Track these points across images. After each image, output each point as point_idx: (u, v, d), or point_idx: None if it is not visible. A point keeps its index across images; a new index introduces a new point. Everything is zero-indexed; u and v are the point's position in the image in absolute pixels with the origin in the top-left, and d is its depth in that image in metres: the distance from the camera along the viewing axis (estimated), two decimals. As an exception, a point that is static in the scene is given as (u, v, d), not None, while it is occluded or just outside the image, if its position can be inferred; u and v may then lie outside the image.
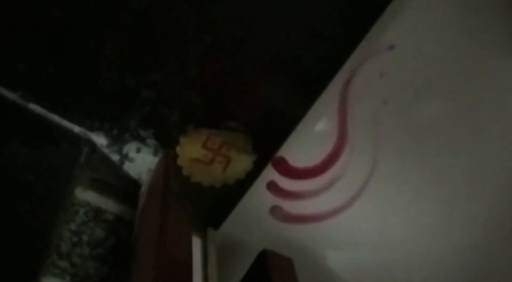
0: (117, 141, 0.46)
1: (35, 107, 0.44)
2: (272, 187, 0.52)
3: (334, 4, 0.47)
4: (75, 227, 0.42)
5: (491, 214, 0.55)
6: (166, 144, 0.47)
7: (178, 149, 0.48)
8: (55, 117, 0.45)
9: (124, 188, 0.47)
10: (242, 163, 0.49)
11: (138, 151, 0.47)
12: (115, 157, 0.47)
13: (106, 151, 0.46)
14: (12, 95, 0.44)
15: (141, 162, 0.47)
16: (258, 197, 0.52)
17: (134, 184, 0.47)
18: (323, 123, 0.51)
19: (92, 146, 0.46)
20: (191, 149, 0.47)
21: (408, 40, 0.49)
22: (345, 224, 0.54)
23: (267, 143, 0.50)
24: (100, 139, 0.46)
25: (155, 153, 0.47)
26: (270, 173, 0.52)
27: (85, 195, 0.43)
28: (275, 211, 0.53)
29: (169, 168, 0.44)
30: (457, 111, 0.53)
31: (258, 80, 0.48)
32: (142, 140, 0.47)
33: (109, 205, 0.44)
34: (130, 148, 0.47)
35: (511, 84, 0.50)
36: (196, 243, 0.46)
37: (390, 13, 0.48)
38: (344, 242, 0.55)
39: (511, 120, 0.53)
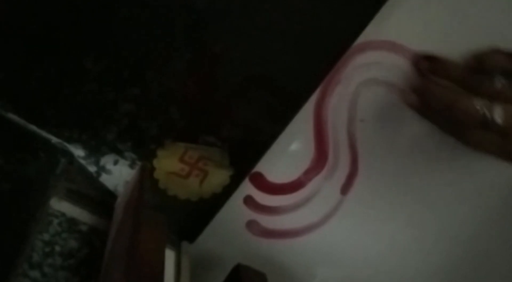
0: (95, 152, 0.47)
1: (14, 117, 0.45)
2: (249, 201, 0.53)
3: (313, 25, 0.48)
4: (48, 237, 0.42)
5: (466, 232, 0.56)
6: (143, 156, 0.48)
7: (155, 162, 0.48)
8: (33, 128, 0.45)
9: (100, 199, 0.47)
10: (219, 177, 0.49)
11: (115, 163, 0.47)
12: (92, 169, 0.47)
13: (83, 162, 0.47)
14: (-9, 105, 0.44)
15: (118, 174, 0.47)
16: (235, 211, 0.52)
17: (110, 196, 0.48)
18: (300, 140, 0.52)
19: (70, 157, 0.46)
20: (168, 162, 0.48)
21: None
22: (320, 240, 0.54)
23: (244, 158, 0.50)
24: (77, 151, 0.46)
25: (132, 166, 0.48)
26: (247, 188, 0.52)
27: (61, 206, 0.43)
28: (251, 225, 0.53)
29: (144, 180, 0.44)
30: (434, 129, 0.53)
31: (236, 97, 0.49)
32: (119, 152, 0.47)
33: (84, 216, 0.44)
34: (107, 160, 0.47)
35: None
36: (170, 256, 0.46)
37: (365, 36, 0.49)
38: (318, 258, 0.55)
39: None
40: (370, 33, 0.50)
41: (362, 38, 0.50)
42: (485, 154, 0.45)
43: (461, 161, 0.54)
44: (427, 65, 0.48)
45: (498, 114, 0.43)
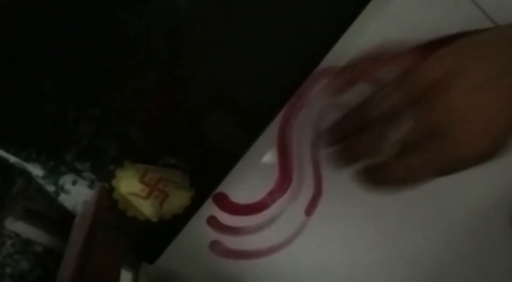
0: (53, 172, 0.47)
1: (-29, 136, 0.45)
2: (213, 221, 0.53)
3: (277, 49, 0.48)
4: (-1, 259, 0.42)
5: (428, 255, 0.56)
6: (102, 177, 0.48)
7: (114, 183, 0.48)
8: (-9, 148, 0.45)
9: (58, 219, 0.47)
10: (179, 198, 0.49)
11: (74, 183, 0.47)
12: (50, 188, 0.47)
13: (42, 182, 0.47)
14: None
15: (76, 194, 0.48)
16: (198, 231, 0.52)
17: (68, 216, 0.48)
18: (264, 161, 0.52)
19: (28, 176, 0.46)
20: (127, 183, 0.48)
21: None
22: (284, 261, 0.54)
23: (206, 179, 0.50)
24: (36, 171, 0.46)
25: (91, 186, 0.48)
26: (210, 208, 0.52)
27: (16, 226, 0.43)
28: (214, 245, 0.53)
29: (100, 201, 0.44)
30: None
31: (199, 118, 0.49)
32: (78, 173, 0.47)
33: (40, 237, 0.44)
34: (66, 180, 0.47)
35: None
36: (126, 277, 0.46)
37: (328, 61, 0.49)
38: (282, 279, 0.55)
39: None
40: (333, 58, 0.50)
41: (325, 63, 0.50)
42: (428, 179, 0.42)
43: (425, 185, 0.54)
44: (331, 138, 0.47)
45: (399, 127, 0.41)
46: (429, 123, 0.39)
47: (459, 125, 0.38)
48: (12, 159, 0.46)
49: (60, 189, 0.47)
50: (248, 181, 0.52)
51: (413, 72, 0.40)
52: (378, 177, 0.41)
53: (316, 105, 0.52)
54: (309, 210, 0.54)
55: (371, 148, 0.41)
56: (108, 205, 0.47)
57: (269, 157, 0.52)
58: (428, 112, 0.39)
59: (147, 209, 0.48)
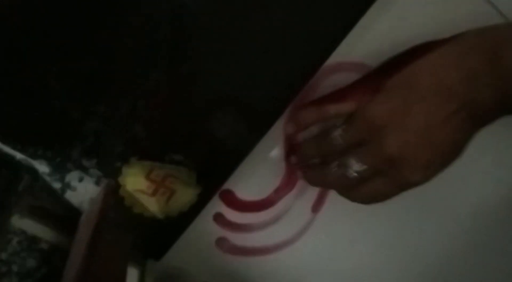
0: (60, 169, 0.47)
1: (-23, 134, 0.45)
2: (219, 218, 0.53)
3: (284, 44, 0.48)
4: (5, 257, 0.42)
5: (436, 252, 0.56)
6: (109, 174, 0.48)
7: (121, 179, 0.48)
8: (-3, 144, 0.45)
9: (64, 216, 0.47)
10: (186, 195, 0.49)
11: (81, 180, 0.47)
12: (57, 185, 0.47)
13: (48, 179, 0.47)
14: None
15: (83, 191, 0.47)
16: (204, 228, 0.52)
17: (75, 213, 0.47)
18: (271, 158, 0.52)
19: (34, 173, 0.46)
20: (134, 180, 0.48)
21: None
22: (290, 258, 0.54)
23: (212, 176, 0.50)
24: (42, 167, 0.46)
25: (97, 183, 0.47)
26: (217, 205, 0.52)
27: (22, 223, 0.43)
28: (221, 242, 0.53)
29: (107, 198, 0.44)
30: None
31: (204, 115, 0.49)
32: (84, 170, 0.47)
33: (46, 234, 0.44)
34: (73, 177, 0.47)
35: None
36: (133, 275, 0.46)
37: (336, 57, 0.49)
38: (288, 276, 0.55)
39: (466, 158, 0.53)
40: (341, 54, 0.50)
41: (332, 59, 0.50)
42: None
43: (432, 183, 0.54)
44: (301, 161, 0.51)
45: (353, 166, 0.44)
46: (376, 161, 0.43)
47: (404, 161, 0.42)
48: (18, 155, 0.45)
49: (67, 186, 0.47)
50: (254, 178, 0.52)
51: (359, 115, 0.44)
52: (349, 196, 0.47)
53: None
54: (316, 207, 0.54)
55: (333, 177, 0.45)
56: (115, 202, 0.47)
57: (276, 154, 0.52)
58: (375, 153, 0.43)
59: (153, 206, 0.48)
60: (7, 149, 0.45)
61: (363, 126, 0.43)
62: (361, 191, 0.45)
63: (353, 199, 0.46)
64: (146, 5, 0.47)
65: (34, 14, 0.45)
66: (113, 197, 0.46)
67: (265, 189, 0.53)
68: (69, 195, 0.47)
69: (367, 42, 0.49)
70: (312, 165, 0.48)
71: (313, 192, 0.53)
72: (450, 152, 0.43)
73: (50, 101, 0.46)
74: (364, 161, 0.43)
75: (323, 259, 0.55)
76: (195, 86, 0.48)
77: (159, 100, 0.47)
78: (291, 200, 0.53)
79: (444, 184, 0.53)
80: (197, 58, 0.47)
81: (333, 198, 0.53)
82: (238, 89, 0.49)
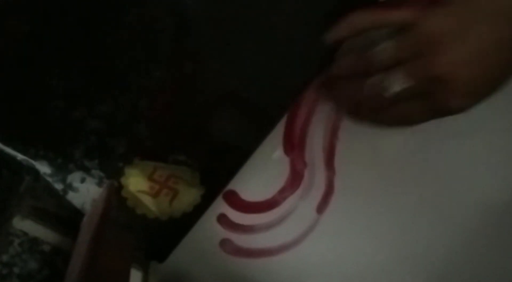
0: (61, 170, 0.46)
1: (-22, 134, 0.44)
2: (223, 219, 0.52)
3: (288, 42, 0.47)
4: (6, 259, 0.41)
5: (446, 252, 0.55)
6: (111, 174, 0.47)
7: (123, 180, 0.47)
8: (-2, 145, 0.45)
9: (66, 217, 0.46)
10: (189, 196, 0.48)
11: (83, 181, 0.47)
12: (58, 186, 0.46)
13: (49, 179, 0.46)
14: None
15: (85, 192, 0.47)
16: (208, 229, 0.52)
17: (77, 214, 0.47)
18: (275, 158, 0.51)
19: (36, 174, 0.45)
20: (136, 181, 0.47)
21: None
22: (295, 260, 0.54)
23: (216, 176, 0.49)
24: (44, 168, 0.46)
25: (99, 184, 0.47)
26: (221, 206, 0.52)
27: (23, 225, 0.43)
28: (225, 244, 0.53)
29: (109, 199, 0.43)
30: (415, 146, 0.53)
31: (208, 114, 0.48)
32: (86, 170, 0.47)
33: (48, 235, 0.44)
34: (74, 178, 0.47)
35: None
36: (136, 277, 0.46)
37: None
38: (293, 278, 0.54)
39: (472, 156, 0.53)
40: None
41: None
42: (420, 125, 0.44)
43: (438, 181, 0.53)
44: (327, 88, 0.48)
45: (395, 83, 0.42)
46: (422, 79, 0.41)
47: (452, 83, 0.41)
48: (20, 156, 0.45)
49: (68, 186, 0.46)
50: (258, 178, 0.51)
51: (416, 27, 0.41)
52: (375, 117, 0.45)
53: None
54: (321, 207, 0.53)
55: (368, 93, 0.43)
56: (117, 203, 0.46)
57: (280, 154, 0.51)
58: (423, 71, 0.41)
59: (156, 206, 0.48)
60: (8, 150, 0.44)
61: (419, 40, 0.41)
62: (391, 113, 0.43)
63: (379, 121, 0.45)
64: (148, 4, 0.46)
65: (35, 14, 0.44)
66: (116, 198, 0.46)
67: (269, 189, 0.52)
68: (71, 196, 0.47)
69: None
70: (346, 77, 0.46)
71: (317, 192, 0.53)
72: (497, 80, 0.41)
73: (51, 102, 0.45)
74: (409, 78, 0.41)
75: (328, 260, 0.54)
76: (198, 86, 0.47)
77: (162, 100, 0.47)
78: (296, 200, 0.52)
79: (451, 185, 0.53)
80: (200, 58, 0.47)
81: (338, 198, 0.53)
82: (241, 89, 0.48)
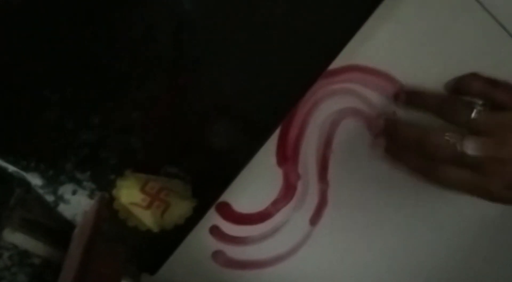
0: (53, 182, 0.46)
1: (-32, 146, 0.44)
2: (215, 231, 0.52)
3: (281, 53, 0.47)
4: (-5, 272, 0.41)
5: (440, 264, 0.55)
6: (103, 186, 0.47)
7: (115, 192, 0.47)
8: (-11, 157, 0.45)
9: (57, 230, 0.46)
10: (181, 208, 0.48)
11: (74, 193, 0.47)
12: (50, 198, 0.46)
13: (41, 191, 0.46)
14: None
15: (76, 204, 0.47)
16: (200, 241, 0.51)
17: (68, 226, 0.47)
18: (268, 170, 0.51)
19: (27, 186, 0.45)
20: (128, 193, 0.47)
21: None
22: (288, 271, 0.53)
23: (209, 189, 0.49)
24: (35, 180, 0.46)
25: (91, 196, 0.47)
26: (213, 217, 0.51)
27: (13, 237, 0.42)
28: (217, 255, 0.52)
29: (100, 211, 0.43)
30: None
31: (200, 127, 0.48)
32: (78, 182, 0.46)
33: (38, 248, 0.43)
34: (66, 190, 0.46)
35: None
36: (127, 289, 0.45)
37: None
38: (286, 290, 0.54)
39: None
40: (340, 63, 0.49)
41: (334, 65, 0.49)
42: (458, 192, 0.44)
43: (433, 194, 0.53)
44: (405, 97, 0.48)
45: (469, 147, 0.42)
46: (491, 155, 0.42)
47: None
48: (11, 168, 0.45)
49: (60, 198, 0.46)
50: (251, 190, 0.51)
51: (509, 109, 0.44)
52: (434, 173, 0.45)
53: (324, 111, 0.51)
54: (314, 219, 0.53)
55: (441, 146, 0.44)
56: (109, 215, 0.46)
57: (273, 165, 0.51)
58: (496, 147, 0.42)
59: (148, 219, 0.47)
60: (-1, 161, 0.44)
61: (505, 123, 0.43)
62: (448, 173, 0.44)
63: (435, 177, 0.45)
64: (143, 16, 0.46)
65: (28, 24, 0.44)
66: (107, 210, 0.46)
67: (263, 201, 0.52)
68: (62, 208, 0.46)
69: (366, 51, 0.49)
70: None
71: (311, 204, 0.53)
72: None
73: (43, 113, 0.45)
74: (482, 148, 0.42)
75: (322, 272, 0.54)
76: (190, 98, 0.47)
77: (154, 112, 0.47)
78: (289, 212, 0.52)
79: (446, 197, 0.53)
80: (193, 70, 0.47)
81: (332, 210, 0.53)
82: (234, 101, 0.48)
